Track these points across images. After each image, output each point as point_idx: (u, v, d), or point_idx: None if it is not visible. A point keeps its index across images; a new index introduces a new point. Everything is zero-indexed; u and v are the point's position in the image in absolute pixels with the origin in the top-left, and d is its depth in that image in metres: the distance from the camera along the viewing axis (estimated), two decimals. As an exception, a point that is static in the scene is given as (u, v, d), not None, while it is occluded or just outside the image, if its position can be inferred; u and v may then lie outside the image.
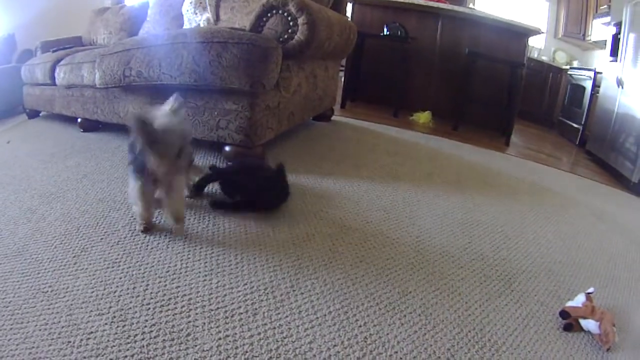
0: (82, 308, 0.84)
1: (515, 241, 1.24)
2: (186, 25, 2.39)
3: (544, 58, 5.17)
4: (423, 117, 3.06)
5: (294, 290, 0.90)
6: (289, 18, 1.57)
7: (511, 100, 3.14)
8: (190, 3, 2.30)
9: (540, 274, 1.08)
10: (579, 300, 0.93)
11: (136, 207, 1.15)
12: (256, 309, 0.84)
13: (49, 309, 0.85)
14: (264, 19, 1.60)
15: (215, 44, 1.45)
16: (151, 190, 1.10)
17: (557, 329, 0.90)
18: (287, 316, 0.82)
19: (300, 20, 1.56)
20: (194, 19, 2.34)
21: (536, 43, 5.26)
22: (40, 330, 0.79)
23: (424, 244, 1.14)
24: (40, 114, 2.92)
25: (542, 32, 3.84)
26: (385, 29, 3.22)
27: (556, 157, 3.03)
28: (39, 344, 0.75)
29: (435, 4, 3.10)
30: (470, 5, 4.38)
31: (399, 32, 3.19)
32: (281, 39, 1.57)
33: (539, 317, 0.92)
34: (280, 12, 1.58)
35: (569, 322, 0.90)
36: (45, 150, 2.04)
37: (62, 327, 0.79)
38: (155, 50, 1.62)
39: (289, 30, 1.57)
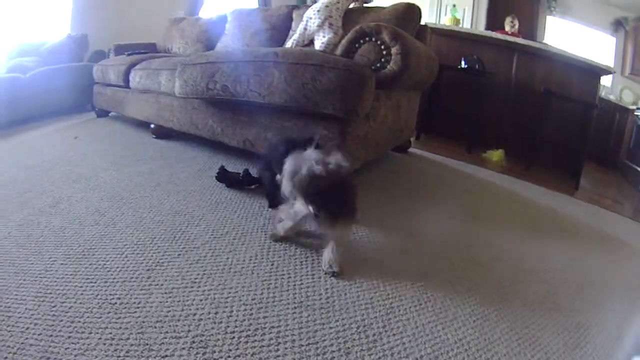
0: (155, 327, 0.80)
1: (587, 292, 1.22)
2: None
3: (611, 97, 4.93)
4: (496, 155, 2.97)
5: (386, 331, 0.86)
6: (383, 47, 1.53)
7: (582, 142, 2.99)
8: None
9: (612, 326, 1.06)
10: None
11: (286, 221, 1.16)
12: (349, 347, 0.80)
13: (116, 322, 0.81)
14: (356, 45, 1.57)
15: (310, 67, 1.42)
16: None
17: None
18: (379, 357, 0.78)
19: (394, 50, 1.51)
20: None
21: (603, 81, 5.02)
22: (104, 344, 0.74)
23: (506, 289, 1.12)
24: (110, 114, 2.99)
25: (614, 72, 3.66)
26: (463, 62, 3.15)
27: (620, 202, 2.89)
28: (102, 359, 0.71)
29: (512, 39, 3.00)
30: (544, 41, 4.24)
31: (477, 66, 3.11)
32: (373, 67, 1.53)
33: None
34: (373, 39, 1.54)
35: None
36: (115, 152, 2.03)
37: (131, 345, 0.75)
38: (244, 66, 1.60)
39: (382, 59, 1.53)
